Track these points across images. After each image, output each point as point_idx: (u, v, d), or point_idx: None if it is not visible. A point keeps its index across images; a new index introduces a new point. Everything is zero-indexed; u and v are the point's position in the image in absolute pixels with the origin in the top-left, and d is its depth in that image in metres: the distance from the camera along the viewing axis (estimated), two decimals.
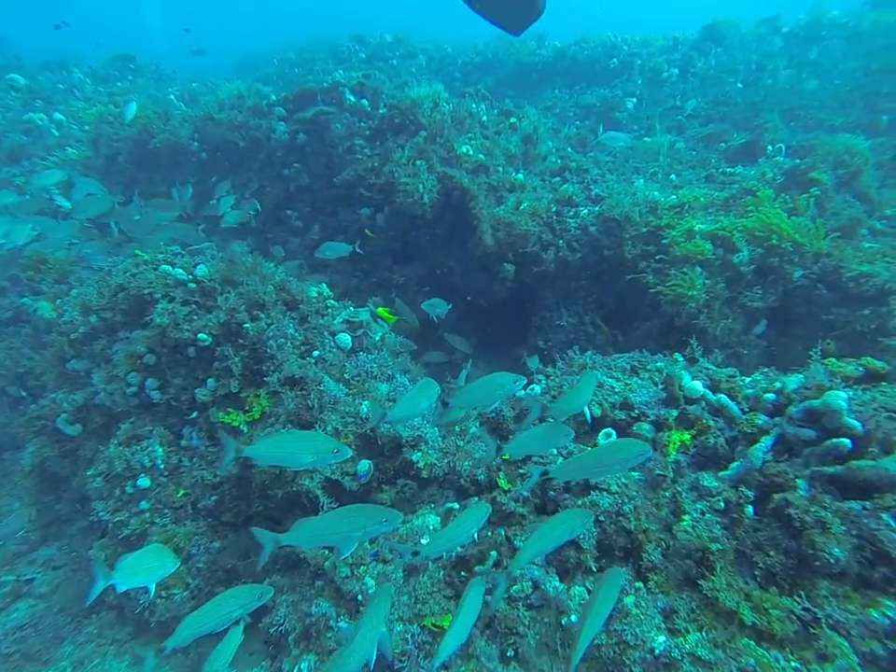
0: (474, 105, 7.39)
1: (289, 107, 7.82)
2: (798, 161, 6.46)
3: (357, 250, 6.41)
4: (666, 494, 3.00)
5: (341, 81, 7.87)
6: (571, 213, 6.62)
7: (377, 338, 4.78)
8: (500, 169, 7.05)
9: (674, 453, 3.15)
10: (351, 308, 5.08)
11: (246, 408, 4.54)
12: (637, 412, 3.53)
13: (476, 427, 4.11)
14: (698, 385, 3.40)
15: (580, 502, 3.12)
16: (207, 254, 4.90)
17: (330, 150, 7.41)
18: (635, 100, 9.78)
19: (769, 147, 6.85)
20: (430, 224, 6.96)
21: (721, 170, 6.68)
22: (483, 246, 6.48)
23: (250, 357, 4.52)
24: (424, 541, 3.64)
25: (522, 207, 6.60)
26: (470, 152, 6.89)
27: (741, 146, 7.06)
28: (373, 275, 7.46)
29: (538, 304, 6.97)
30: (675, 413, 3.39)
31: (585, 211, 6.53)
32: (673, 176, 6.83)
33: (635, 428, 3.50)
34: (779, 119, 7.30)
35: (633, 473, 3.17)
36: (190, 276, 4.64)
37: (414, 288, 7.38)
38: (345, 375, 4.35)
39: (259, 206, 7.07)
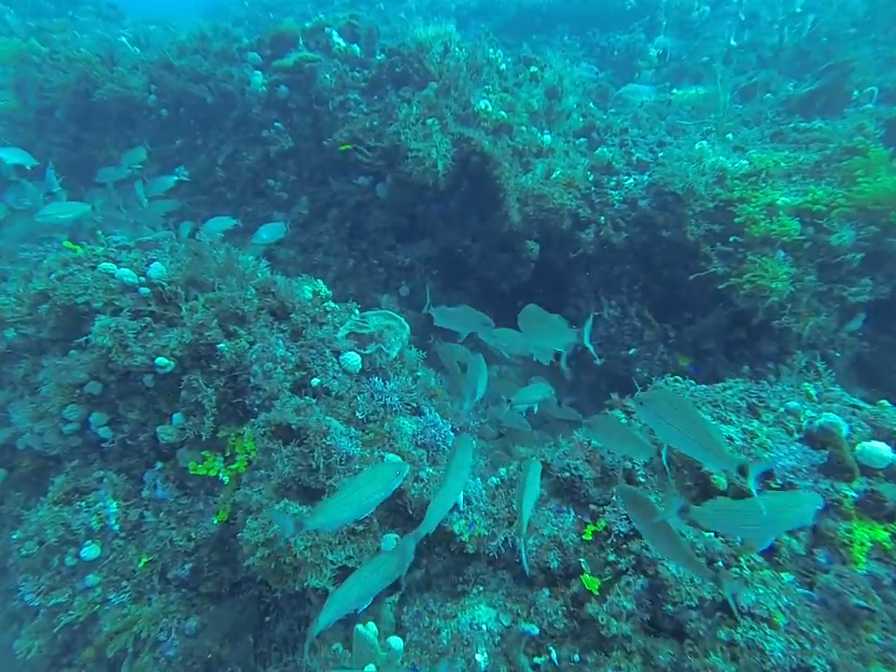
0: (492, 51, 6.03)
1: (266, 53, 6.37)
2: None
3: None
4: (875, 639, 1.94)
5: (326, 21, 6.42)
6: (612, 182, 5.40)
7: (394, 353, 3.61)
8: (524, 129, 5.75)
9: (863, 561, 2.10)
10: (356, 312, 3.88)
11: (227, 453, 3.39)
12: (779, 481, 2.46)
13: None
14: (884, 449, 2.32)
15: (722, 636, 2.05)
16: (164, 246, 3.63)
17: (318, 107, 6.03)
18: (662, 45, 8.43)
19: (855, 93, 5.61)
20: (442, 196, 5.69)
21: (792, 125, 5.46)
22: (510, 224, 5.27)
23: (228, 387, 3.33)
24: (478, 658, 2.59)
25: (553, 176, 5.36)
26: (490, 108, 5.57)
27: (809, 94, 5.81)
28: (373, 256, 6.21)
29: (571, 291, 5.82)
30: (849, 491, 2.32)
31: (630, 181, 5.31)
32: (730, 136, 5.61)
33: None
34: (870, 56, 5.99)
35: (798, 589, 2.11)
36: (142, 278, 3.39)
37: (422, 270, 6.17)
38: (357, 413, 3.19)
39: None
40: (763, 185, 4.62)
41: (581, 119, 6.49)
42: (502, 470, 3.32)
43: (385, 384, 3.38)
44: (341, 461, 2.84)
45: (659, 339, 5.23)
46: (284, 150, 6.17)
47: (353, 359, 3.41)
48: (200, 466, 3.35)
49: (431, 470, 3.09)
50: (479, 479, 3.16)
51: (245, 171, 6.40)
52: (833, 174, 4.51)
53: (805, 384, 3.02)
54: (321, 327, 3.61)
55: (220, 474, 3.39)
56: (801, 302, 4.37)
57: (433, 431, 3.27)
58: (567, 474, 2.81)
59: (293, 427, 2.87)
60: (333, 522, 2.31)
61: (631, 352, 5.32)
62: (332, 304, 3.87)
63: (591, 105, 7.10)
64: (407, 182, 5.47)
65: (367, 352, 3.48)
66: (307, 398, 3.18)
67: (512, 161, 5.39)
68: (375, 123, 5.64)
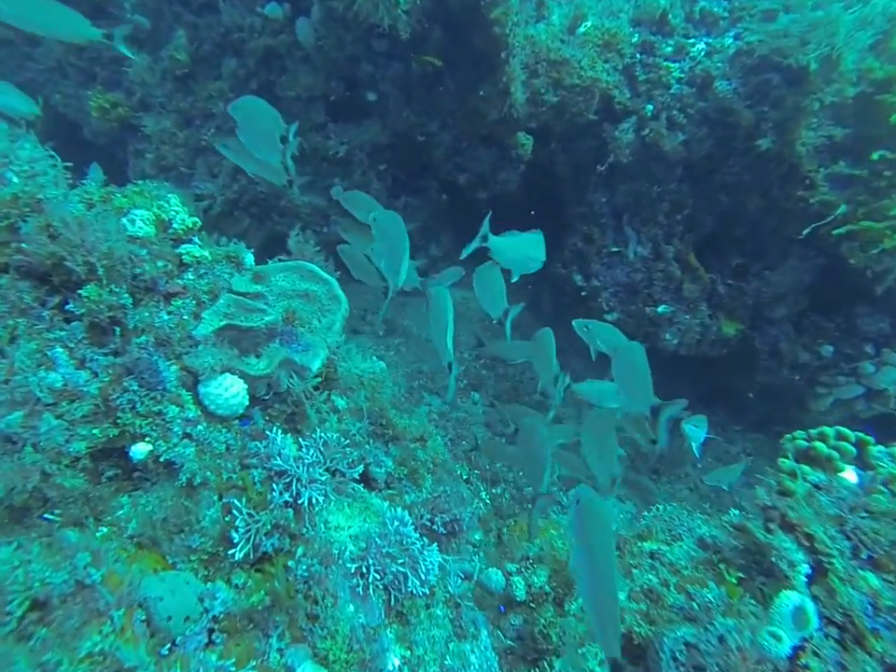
0: None
1: None
2: None
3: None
4: None
5: None
6: (667, 48, 3.40)
7: (317, 364, 1.75)
8: None
9: None
10: (248, 265, 1.95)
11: None
12: None
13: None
14: None
15: None
16: None
17: None
18: None
19: None
20: (403, 50, 3.51)
21: None
22: (509, 105, 3.24)
23: None
24: None
25: (583, 30, 3.28)
26: None
27: None
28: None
29: (577, 212, 3.98)
30: None
31: (700, 47, 3.32)
32: None
33: None
34: None
35: None
36: None
37: (365, 165, 4.07)
38: (234, 550, 1.39)
39: None
40: None
41: None
42: None
43: (301, 443, 1.57)
44: None
45: (703, 295, 3.60)
46: None
47: (228, 391, 1.54)
48: None
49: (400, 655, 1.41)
50: None
51: None
52: None
53: None
54: (163, 309, 1.67)
55: None
56: None
57: (393, 542, 1.55)
58: None
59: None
60: None
61: (661, 309, 3.68)
62: (197, 249, 1.89)
63: None
64: (346, 20, 3.24)
65: (260, 370, 1.61)
66: (121, 499, 1.35)
67: (521, 0, 3.23)
68: None
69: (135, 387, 1.42)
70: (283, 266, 2.01)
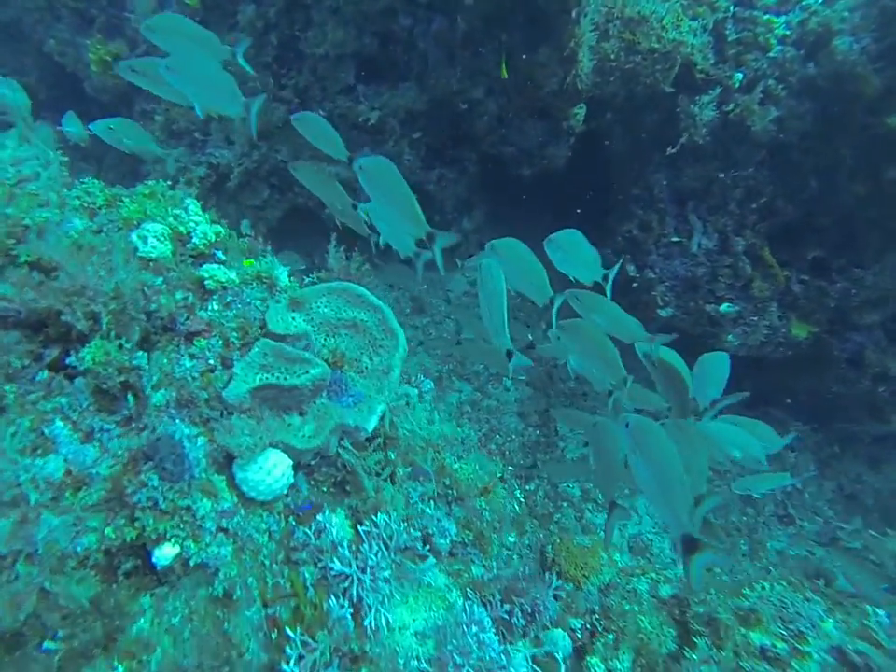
0: None
1: None
2: None
3: None
4: None
5: None
6: None
7: (372, 423, 1.43)
8: None
9: None
10: (284, 288, 1.60)
11: None
12: None
13: None
14: None
15: None
16: None
17: None
18: None
19: None
20: (446, 4, 3.01)
21: None
22: (574, 74, 2.76)
23: None
24: None
25: None
26: None
27: None
28: (318, 102, 3.55)
29: (631, 195, 3.54)
30: None
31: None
32: None
33: None
34: None
35: None
36: None
37: (398, 133, 3.62)
38: None
39: None
40: None
41: None
42: None
43: (358, 530, 1.27)
44: None
45: (775, 294, 3.21)
46: None
47: (271, 474, 1.23)
48: None
49: None
50: None
51: None
52: None
53: None
54: (184, 353, 1.34)
55: None
56: None
57: (471, 652, 1.28)
58: None
59: None
60: None
61: (724, 307, 3.31)
62: (222, 271, 1.53)
63: None
64: None
65: (308, 442, 1.29)
66: (142, 600, 1.07)
67: None
68: None
69: (156, 482, 1.10)
70: (325, 289, 1.66)
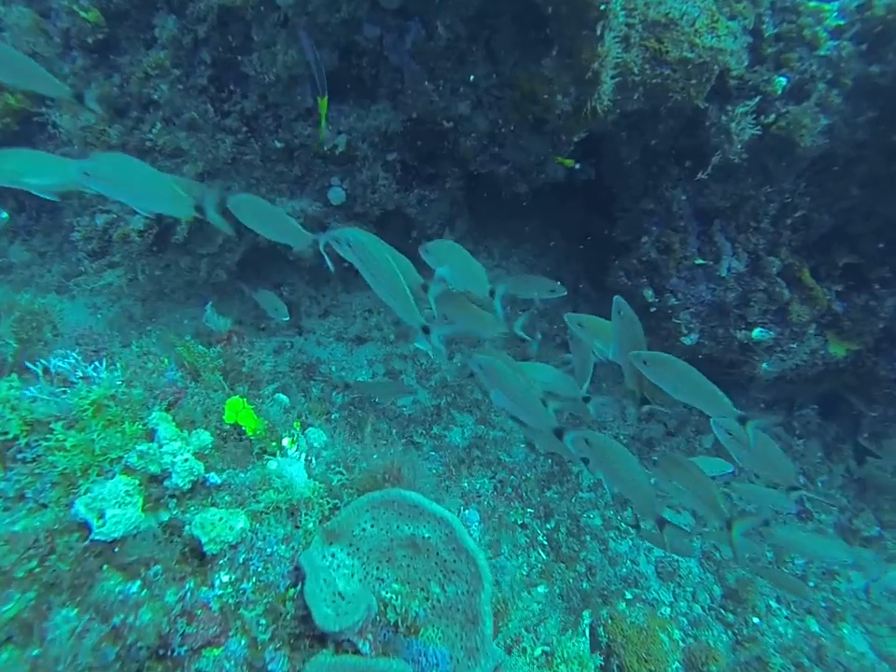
0: None
1: None
2: None
3: None
4: None
5: None
6: None
7: None
8: None
9: None
10: (314, 520, 1.13)
11: None
12: None
13: None
14: None
15: None
16: None
17: None
18: None
19: None
20: (422, 5, 2.40)
21: None
22: (595, 100, 2.24)
23: None
24: None
25: None
26: None
27: None
28: (272, 127, 2.87)
29: (644, 210, 3.10)
30: None
31: None
32: None
33: None
34: None
35: None
36: None
37: (370, 159, 3.01)
38: None
39: None
40: None
41: None
42: None
43: None
44: None
45: (815, 317, 2.90)
46: None
47: None
48: None
49: None
50: None
51: None
52: None
53: None
54: None
55: None
56: None
57: None
58: None
59: None
60: None
61: (757, 333, 2.98)
62: (221, 518, 1.04)
63: None
64: None
65: None
66: None
67: None
68: None
69: None
70: (367, 502, 1.20)
